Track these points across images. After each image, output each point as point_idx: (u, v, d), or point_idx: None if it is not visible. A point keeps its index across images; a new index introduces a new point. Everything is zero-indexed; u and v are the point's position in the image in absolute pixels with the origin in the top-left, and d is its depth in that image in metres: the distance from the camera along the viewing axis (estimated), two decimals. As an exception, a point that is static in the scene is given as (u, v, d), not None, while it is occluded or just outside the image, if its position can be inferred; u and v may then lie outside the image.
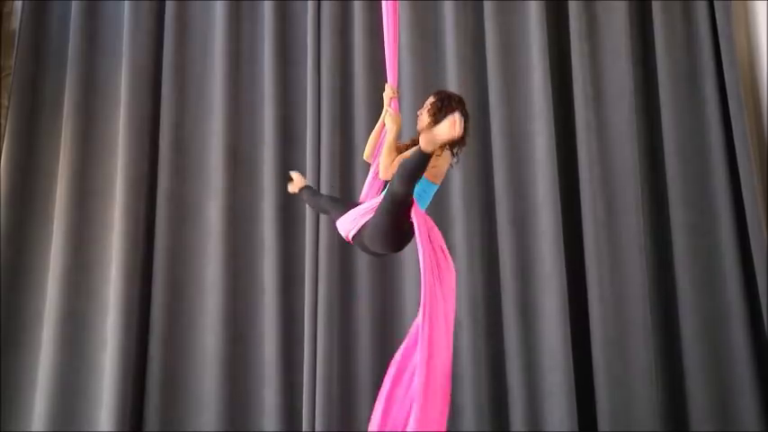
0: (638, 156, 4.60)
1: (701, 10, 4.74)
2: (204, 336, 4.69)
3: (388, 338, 4.54)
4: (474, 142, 4.72)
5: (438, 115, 3.06)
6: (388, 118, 3.19)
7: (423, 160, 2.81)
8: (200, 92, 5.04)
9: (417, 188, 2.95)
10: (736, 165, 4.45)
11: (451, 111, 3.01)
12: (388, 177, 3.00)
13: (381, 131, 3.30)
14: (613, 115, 4.65)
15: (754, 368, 4.27)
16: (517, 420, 4.35)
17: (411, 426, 2.73)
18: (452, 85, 4.74)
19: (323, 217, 4.62)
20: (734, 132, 4.47)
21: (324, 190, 4.67)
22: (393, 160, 3.02)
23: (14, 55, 5.12)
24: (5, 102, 5.12)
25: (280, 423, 4.50)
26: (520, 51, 4.78)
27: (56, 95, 5.10)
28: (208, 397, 4.59)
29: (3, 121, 5.08)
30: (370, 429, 2.86)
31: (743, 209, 4.42)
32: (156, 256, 4.79)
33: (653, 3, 4.79)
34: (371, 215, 3.05)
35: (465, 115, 3.02)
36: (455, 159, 3.12)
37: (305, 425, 4.43)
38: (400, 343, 4.47)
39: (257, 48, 5.06)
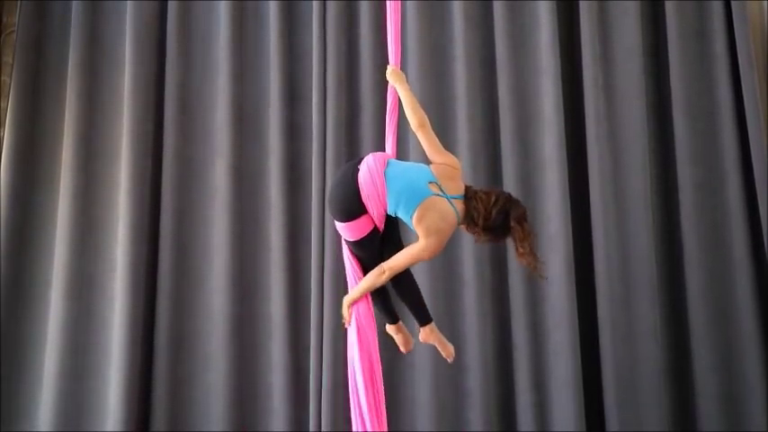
0: (645, 113, 4.56)
1: (712, -33, 4.67)
2: (211, 294, 4.72)
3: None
4: (480, 100, 4.69)
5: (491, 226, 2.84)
6: (392, 75, 3.15)
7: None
8: (206, 51, 5.01)
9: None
10: (745, 123, 4.41)
11: (506, 231, 2.84)
12: (428, 129, 3.00)
13: (395, 96, 3.19)
14: (621, 72, 4.60)
15: (759, 326, 4.28)
16: (522, 378, 4.38)
17: None
18: (459, 42, 4.70)
19: (329, 176, 4.60)
20: (743, 90, 4.43)
21: (330, 153, 4.65)
22: (421, 112, 3.03)
23: (18, 12, 5.08)
24: (9, 60, 5.10)
25: (287, 380, 4.55)
26: (527, 8, 4.72)
27: (60, 54, 5.07)
28: (216, 354, 4.64)
29: (7, 80, 5.07)
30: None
31: (751, 167, 4.38)
32: (163, 215, 4.81)
33: (662, -40, 4.73)
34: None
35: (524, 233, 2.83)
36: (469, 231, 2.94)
37: (312, 382, 4.48)
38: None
39: (262, 6, 5.01)
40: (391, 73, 3.17)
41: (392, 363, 4.52)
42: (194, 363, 4.69)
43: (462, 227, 2.90)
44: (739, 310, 4.32)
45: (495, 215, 2.81)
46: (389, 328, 3.21)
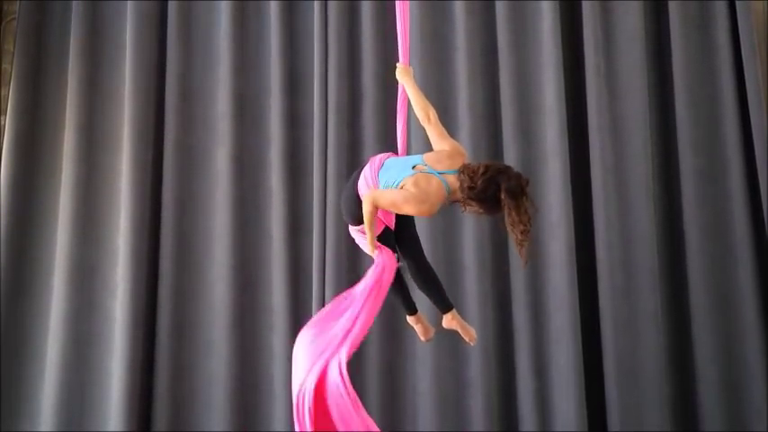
0: (647, 102, 4.56)
1: (714, -46, 4.65)
2: (213, 283, 4.73)
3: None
4: (482, 89, 4.68)
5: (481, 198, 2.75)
6: (400, 72, 3.20)
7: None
8: (207, 40, 5.00)
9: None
10: (747, 111, 4.42)
11: (496, 204, 2.73)
12: (434, 123, 3.04)
13: (404, 94, 3.24)
14: (623, 61, 4.60)
15: (760, 313, 4.29)
16: (523, 364, 4.39)
17: None
18: (460, 30, 4.69)
19: (331, 165, 4.62)
20: (746, 78, 4.43)
21: (331, 143, 4.65)
22: (427, 107, 3.08)
23: (18, 0, 5.07)
24: (10, 47, 5.09)
25: (288, 369, 4.54)
26: (529, -4, 4.72)
27: (61, 42, 5.07)
28: (217, 344, 4.65)
29: (8, 67, 5.06)
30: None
31: (753, 155, 4.39)
32: (164, 205, 4.82)
33: (664, -51, 4.71)
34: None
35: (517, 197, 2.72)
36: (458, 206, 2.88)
37: (313, 371, 4.49)
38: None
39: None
40: (399, 70, 3.22)
41: (393, 353, 4.54)
42: (196, 352, 4.70)
43: (458, 202, 2.85)
44: (740, 297, 4.33)
45: (481, 184, 2.73)
46: (410, 319, 3.26)
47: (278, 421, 4.54)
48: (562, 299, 4.34)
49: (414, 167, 2.87)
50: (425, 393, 4.42)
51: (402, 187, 2.82)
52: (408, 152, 3.33)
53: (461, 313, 4.30)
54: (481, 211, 2.80)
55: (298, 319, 4.62)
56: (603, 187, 4.46)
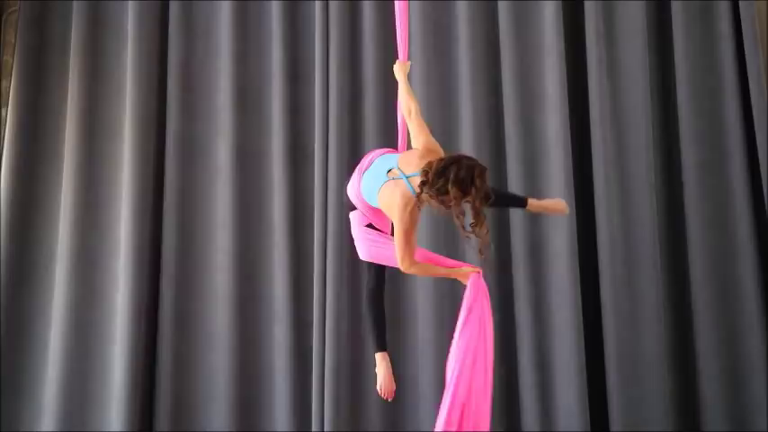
0: (649, 93, 4.53)
1: (716, -56, 4.62)
2: (215, 274, 4.75)
3: (395, 277, 4.56)
4: (483, 80, 4.66)
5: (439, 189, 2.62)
6: (396, 69, 3.25)
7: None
8: (208, 30, 5.00)
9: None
10: (749, 102, 4.39)
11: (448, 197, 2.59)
12: (414, 118, 3.05)
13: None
14: (625, 52, 4.56)
15: (762, 307, 4.27)
16: (526, 355, 4.39)
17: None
18: (462, 23, 4.67)
19: (332, 155, 4.61)
20: (748, 69, 4.40)
21: (332, 133, 4.65)
22: (410, 102, 3.10)
23: (20, -8, 5.09)
24: (12, 39, 5.09)
25: (290, 359, 4.58)
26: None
27: (62, 33, 5.08)
28: (219, 334, 4.67)
29: (9, 59, 5.07)
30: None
31: (755, 147, 4.37)
32: (167, 194, 4.83)
33: (666, -62, 4.68)
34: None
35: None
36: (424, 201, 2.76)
37: (315, 361, 4.50)
38: (406, 279, 4.54)
39: (265, -15, 5.00)
40: (396, 66, 3.27)
41: (394, 344, 4.52)
42: (197, 342, 4.73)
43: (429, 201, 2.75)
44: (742, 289, 4.31)
45: (432, 178, 2.60)
46: (378, 357, 3.09)
47: (279, 412, 4.56)
48: (564, 292, 4.33)
49: (389, 172, 2.83)
50: (426, 384, 4.43)
51: (379, 205, 2.87)
52: (409, 145, 3.33)
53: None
54: (443, 207, 2.64)
55: (299, 310, 4.65)
56: (605, 180, 4.44)
